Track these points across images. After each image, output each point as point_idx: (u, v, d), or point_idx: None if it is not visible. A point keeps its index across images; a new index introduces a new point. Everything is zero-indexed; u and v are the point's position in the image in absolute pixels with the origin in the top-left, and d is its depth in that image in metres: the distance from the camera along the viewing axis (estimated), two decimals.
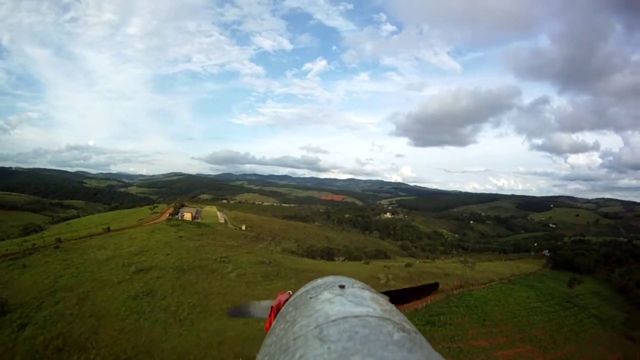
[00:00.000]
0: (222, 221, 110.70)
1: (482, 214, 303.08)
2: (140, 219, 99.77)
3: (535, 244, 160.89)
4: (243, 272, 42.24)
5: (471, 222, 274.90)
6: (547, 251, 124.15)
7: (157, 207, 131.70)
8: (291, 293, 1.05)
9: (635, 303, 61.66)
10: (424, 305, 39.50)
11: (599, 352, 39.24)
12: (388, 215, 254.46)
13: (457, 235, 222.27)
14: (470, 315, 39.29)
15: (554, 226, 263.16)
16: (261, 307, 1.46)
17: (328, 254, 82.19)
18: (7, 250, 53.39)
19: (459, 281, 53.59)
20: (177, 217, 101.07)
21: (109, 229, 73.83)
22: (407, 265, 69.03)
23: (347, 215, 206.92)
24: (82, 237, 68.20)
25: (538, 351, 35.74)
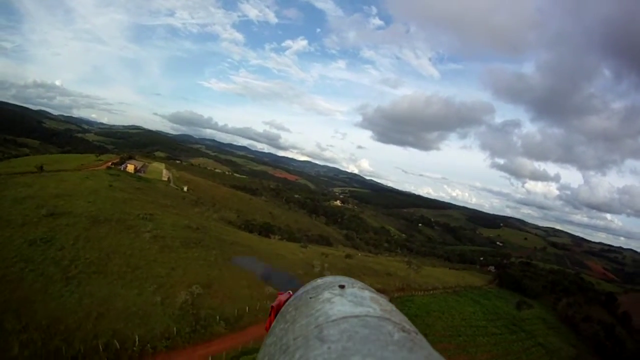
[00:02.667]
0: (165, 179, 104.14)
1: (432, 219, 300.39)
2: (82, 164, 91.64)
3: (482, 258, 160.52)
4: (162, 235, 37.71)
5: (420, 224, 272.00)
6: (493, 267, 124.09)
7: (102, 155, 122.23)
8: (291, 293, 1.01)
9: (583, 338, 59.45)
10: None
11: None
12: (338, 203, 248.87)
13: (404, 235, 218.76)
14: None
15: (500, 244, 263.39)
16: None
17: (266, 230, 78.53)
18: None
19: (402, 283, 50.25)
20: (119, 167, 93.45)
21: (41, 168, 66.29)
22: (348, 256, 64.93)
23: (296, 196, 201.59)
24: (13, 174, 61.00)
25: None
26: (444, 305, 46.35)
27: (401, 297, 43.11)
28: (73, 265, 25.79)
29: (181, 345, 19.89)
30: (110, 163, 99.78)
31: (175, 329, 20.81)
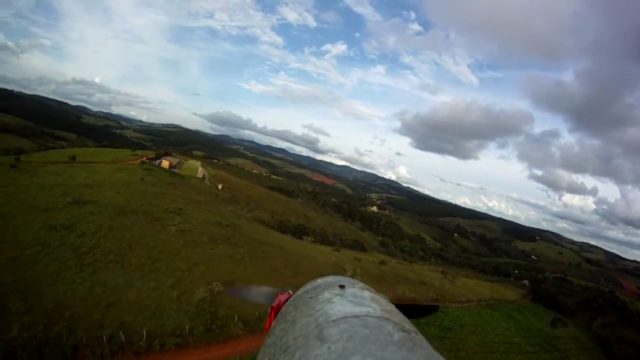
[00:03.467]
0: (200, 176, 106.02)
1: (468, 230, 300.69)
2: (116, 158, 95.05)
3: (516, 272, 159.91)
4: (189, 229, 37.51)
5: (455, 234, 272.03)
6: (527, 281, 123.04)
7: (138, 150, 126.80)
8: (291, 293, 1.03)
9: None
10: None
11: None
12: (374, 208, 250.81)
13: (439, 244, 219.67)
14: (443, 339, 33.89)
15: (535, 258, 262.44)
16: (260, 293, 1.42)
17: (300, 232, 79.23)
18: None
19: (435, 293, 49.75)
20: (154, 162, 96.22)
21: (73, 158, 69.09)
22: (382, 262, 64.15)
23: (333, 200, 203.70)
24: (45, 162, 63.89)
25: None
26: (478, 319, 45.49)
27: None
28: (91, 252, 25.69)
29: (192, 344, 18.91)
30: (145, 158, 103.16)
31: (188, 326, 19.92)
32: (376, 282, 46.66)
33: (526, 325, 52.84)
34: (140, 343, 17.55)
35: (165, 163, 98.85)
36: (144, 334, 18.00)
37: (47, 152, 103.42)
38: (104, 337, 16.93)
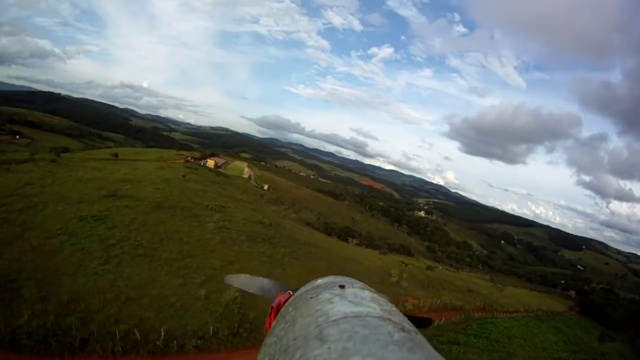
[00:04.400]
0: (246, 176, 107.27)
1: (515, 237, 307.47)
2: (160, 157, 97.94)
3: (563, 282, 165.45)
4: (227, 226, 36.91)
5: (502, 241, 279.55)
6: (573, 292, 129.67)
7: (183, 151, 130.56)
8: (291, 293, 1.03)
9: None
10: (436, 324, 32.98)
11: None
12: (422, 213, 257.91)
13: (485, 251, 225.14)
14: (492, 353, 31.85)
15: (581, 268, 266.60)
16: (259, 284, 1.39)
17: (345, 235, 79.35)
18: (10, 158, 52.11)
19: (483, 302, 49.56)
20: (199, 162, 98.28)
21: (116, 155, 71.67)
22: (429, 268, 63.62)
23: (380, 203, 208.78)
24: (87, 159, 66.57)
25: None
26: (526, 330, 44.86)
27: (482, 318, 41.79)
28: (119, 245, 25.35)
29: (215, 348, 17.58)
30: (189, 158, 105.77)
31: (212, 328, 18.67)
32: (422, 288, 45.77)
33: (574, 339, 52.13)
34: (157, 342, 16.45)
35: (210, 163, 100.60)
36: (162, 333, 16.93)
37: (92, 151, 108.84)
38: (117, 333, 16.01)
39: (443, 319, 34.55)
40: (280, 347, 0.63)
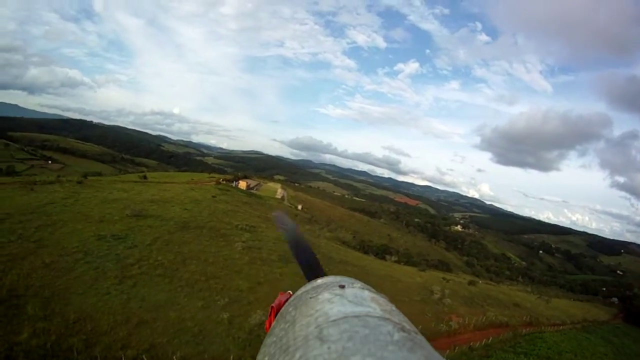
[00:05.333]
0: (279, 197, 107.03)
1: (553, 246, 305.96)
2: (192, 179, 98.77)
3: (604, 289, 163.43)
4: (257, 246, 35.85)
5: (541, 251, 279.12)
6: (616, 299, 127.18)
7: (215, 174, 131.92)
8: (291, 293, 0.99)
9: None
10: (484, 343, 31.38)
11: None
12: (459, 228, 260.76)
13: (524, 262, 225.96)
14: None
15: (621, 273, 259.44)
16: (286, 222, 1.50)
17: (383, 252, 79.25)
18: (37, 179, 53.41)
19: (529, 316, 48.64)
20: (231, 184, 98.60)
21: (145, 177, 72.45)
22: (471, 283, 62.85)
23: (416, 220, 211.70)
24: (114, 180, 67.54)
25: None
26: (575, 344, 43.01)
27: (530, 333, 40.26)
28: (137, 264, 24.49)
29: None
30: (221, 180, 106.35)
31: (233, 356, 17.16)
32: (466, 304, 44.29)
33: (622, 349, 50.64)
34: None
35: (242, 184, 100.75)
36: None
37: (123, 175, 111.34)
38: (123, 359, 14.86)
39: (490, 338, 32.99)
40: (280, 347, 0.64)
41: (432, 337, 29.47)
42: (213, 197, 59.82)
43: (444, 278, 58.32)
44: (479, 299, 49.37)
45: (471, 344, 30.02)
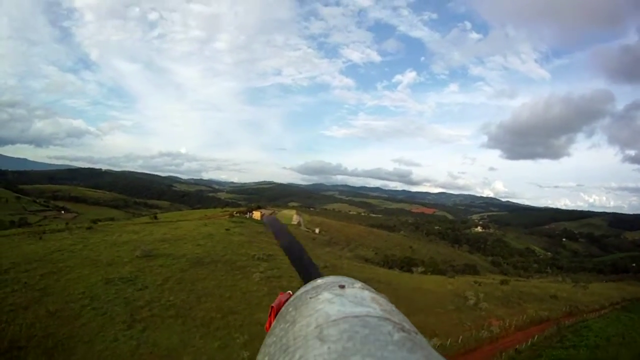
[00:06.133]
0: (295, 222, 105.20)
1: (575, 232, 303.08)
2: (205, 215, 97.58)
3: (634, 264, 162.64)
4: (277, 275, 34.06)
5: (564, 239, 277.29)
6: None
7: (228, 207, 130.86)
8: (291, 293, 1.06)
9: None
10: (530, 343, 29.32)
11: None
12: (479, 229, 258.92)
13: (549, 253, 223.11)
14: None
15: None
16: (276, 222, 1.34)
17: (407, 265, 77.89)
18: (46, 228, 52.78)
19: (568, 306, 47.66)
20: (245, 215, 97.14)
21: (155, 217, 71.28)
22: (503, 282, 61.19)
23: (436, 227, 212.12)
24: (126, 223, 66.52)
25: None
26: (620, 326, 40.63)
27: (574, 324, 38.21)
28: (148, 307, 22.79)
29: None
30: (235, 212, 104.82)
31: None
32: (503, 305, 42.61)
33: None
34: None
35: (256, 214, 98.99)
36: None
37: (136, 218, 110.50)
38: None
39: (536, 336, 30.92)
40: (280, 347, 0.65)
41: (475, 346, 27.70)
42: (227, 230, 58.32)
43: (475, 282, 57.23)
44: (514, 297, 47.92)
45: (517, 346, 28.08)
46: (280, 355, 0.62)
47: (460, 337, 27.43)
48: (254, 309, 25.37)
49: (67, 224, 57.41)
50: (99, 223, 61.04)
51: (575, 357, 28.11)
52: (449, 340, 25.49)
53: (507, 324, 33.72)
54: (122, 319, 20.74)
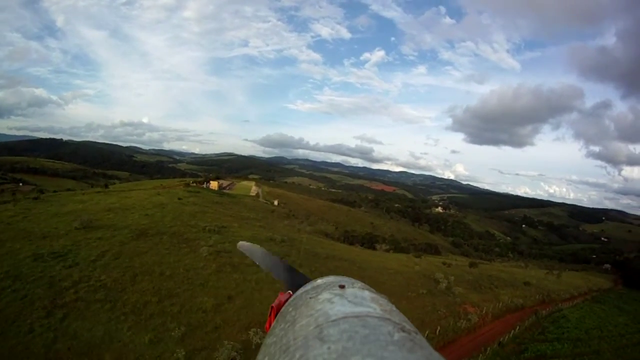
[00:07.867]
0: (254, 194, 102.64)
1: (535, 219, 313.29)
2: (160, 184, 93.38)
3: (594, 256, 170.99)
4: (227, 249, 30.92)
5: (524, 225, 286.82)
6: (608, 265, 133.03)
7: (187, 177, 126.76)
8: (291, 293, 1.00)
9: None
10: (512, 335, 28.73)
11: None
12: (439, 209, 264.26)
13: (509, 238, 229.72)
14: (582, 357, 27.00)
15: (606, 240, 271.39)
16: (265, 257, 1.40)
17: (369, 241, 76.98)
18: None
19: (543, 295, 48.00)
20: (202, 185, 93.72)
21: (106, 186, 67.13)
22: (472, 265, 60.81)
23: (396, 205, 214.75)
24: (74, 193, 62.22)
25: None
26: (595, 318, 42.62)
27: (551, 313, 39.11)
28: (74, 288, 19.80)
29: None
30: (191, 182, 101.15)
31: None
32: (475, 290, 41.45)
33: (637, 317, 49.08)
34: None
35: (213, 184, 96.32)
36: None
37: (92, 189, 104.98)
38: None
39: (517, 328, 30.64)
40: (280, 347, 0.64)
41: (454, 337, 26.40)
42: (179, 199, 54.93)
43: (444, 263, 56.58)
44: (485, 282, 46.91)
45: (500, 340, 27.00)
46: (280, 355, 0.61)
47: (438, 327, 25.85)
48: (196, 290, 22.70)
49: (13, 194, 52.71)
50: (47, 193, 56.24)
51: (559, 351, 27.53)
52: (427, 331, 23.63)
53: (484, 312, 32.92)
54: (42, 303, 17.75)
